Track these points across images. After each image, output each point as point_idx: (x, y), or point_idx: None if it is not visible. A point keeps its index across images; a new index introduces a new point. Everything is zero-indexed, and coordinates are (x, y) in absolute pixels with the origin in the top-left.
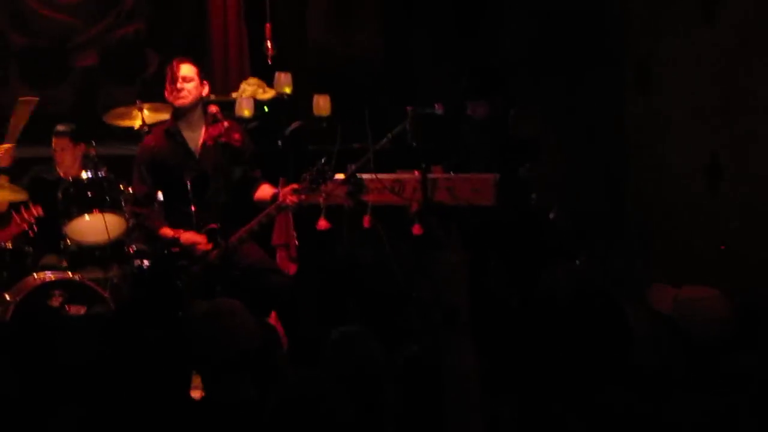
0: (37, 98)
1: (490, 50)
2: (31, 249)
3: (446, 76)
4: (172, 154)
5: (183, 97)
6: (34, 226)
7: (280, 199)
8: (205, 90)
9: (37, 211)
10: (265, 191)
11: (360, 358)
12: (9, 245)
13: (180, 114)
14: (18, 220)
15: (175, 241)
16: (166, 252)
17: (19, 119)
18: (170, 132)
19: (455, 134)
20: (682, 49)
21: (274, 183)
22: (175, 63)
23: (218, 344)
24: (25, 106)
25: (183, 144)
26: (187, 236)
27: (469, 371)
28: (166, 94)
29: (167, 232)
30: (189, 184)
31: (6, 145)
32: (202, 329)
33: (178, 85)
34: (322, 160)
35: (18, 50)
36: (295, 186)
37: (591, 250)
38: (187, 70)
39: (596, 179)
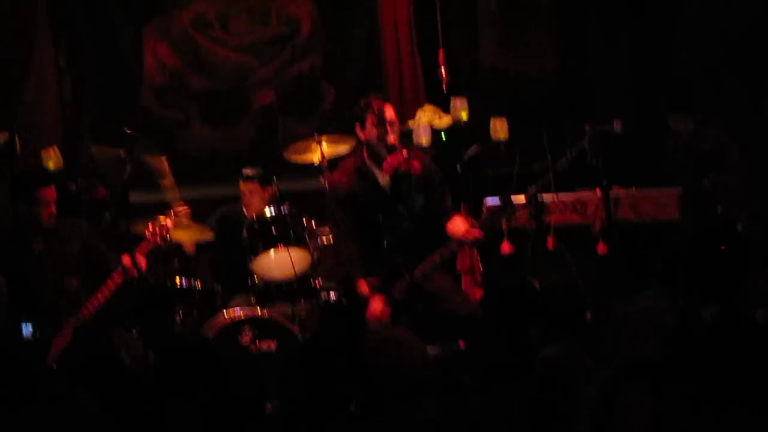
0: (162, 156)
1: (667, 62)
2: (220, 288)
3: (623, 92)
4: (365, 193)
5: (391, 138)
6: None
7: (461, 237)
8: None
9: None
10: (456, 225)
11: (571, 376)
12: (199, 284)
13: (372, 152)
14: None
15: (363, 303)
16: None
17: (164, 177)
18: (362, 171)
19: (637, 150)
20: None
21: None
22: (378, 104)
23: (388, 372)
24: (158, 163)
25: (375, 182)
26: (375, 309)
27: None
28: (364, 134)
29: (364, 289)
30: (381, 219)
31: (182, 208)
32: (373, 359)
33: (388, 128)
34: (505, 195)
35: (197, 92)
36: (475, 222)
37: None
38: (392, 111)
39: None
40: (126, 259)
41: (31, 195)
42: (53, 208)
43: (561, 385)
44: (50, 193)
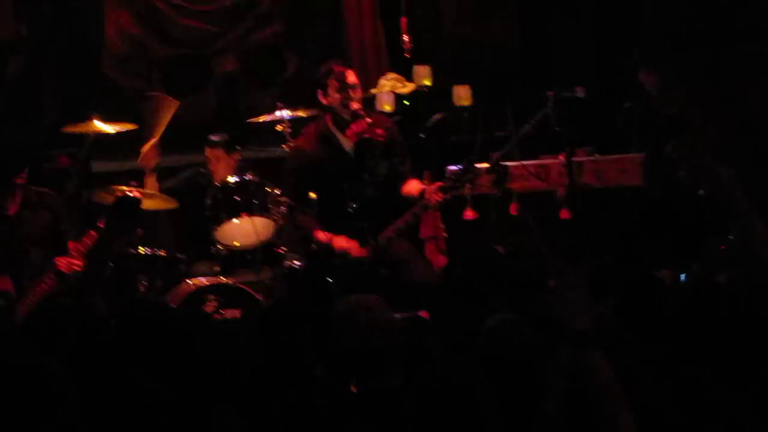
0: (178, 102)
1: (630, 27)
2: (183, 256)
3: (586, 58)
4: (329, 159)
5: (354, 104)
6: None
7: (426, 197)
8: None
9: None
10: (412, 186)
11: (515, 346)
12: (162, 252)
13: (336, 117)
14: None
15: (328, 247)
16: (318, 250)
17: (160, 118)
18: (326, 137)
19: (600, 115)
20: None
21: (418, 176)
22: (339, 69)
23: (358, 339)
24: (167, 106)
25: (339, 147)
26: (340, 242)
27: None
28: (326, 99)
29: (321, 235)
30: (346, 185)
31: (150, 142)
32: (342, 325)
33: (351, 93)
34: (467, 159)
35: (159, 60)
36: (439, 184)
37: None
38: (353, 76)
39: (746, 153)
40: (61, 261)
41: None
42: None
43: (508, 358)
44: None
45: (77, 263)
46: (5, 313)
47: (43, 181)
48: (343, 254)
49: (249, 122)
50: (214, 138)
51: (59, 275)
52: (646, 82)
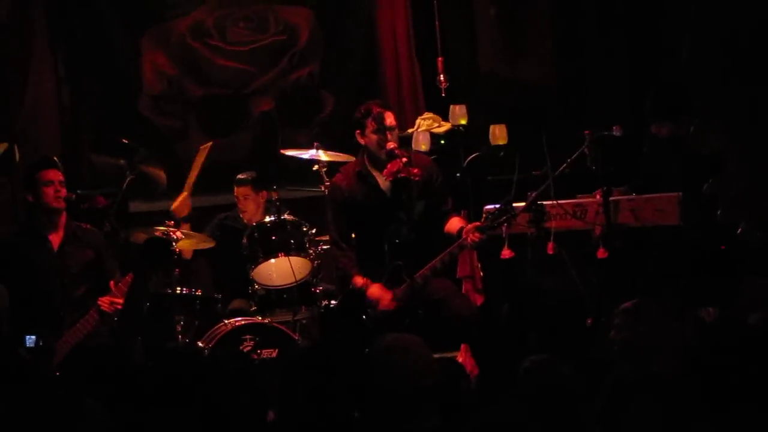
0: (211, 142)
1: (666, 66)
2: (220, 296)
3: (622, 97)
4: (366, 197)
5: (390, 144)
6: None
7: (463, 236)
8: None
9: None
10: (453, 224)
11: (553, 385)
12: (199, 292)
13: (372, 157)
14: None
15: (362, 291)
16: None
17: (195, 168)
18: (362, 175)
19: (636, 155)
20: None
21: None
22: (378, 110)
23: (395, 379)
24: (202, 153)
25: (375, 186)
26: (374, 292)
27: None
28: (364, 139)
29: (358, 281)
30: (382, 224)
31: (182, 195)
32: (380, 365)
33: (388, 135)
34: (505, 200)
35: (196, 101)
36: (477, 224)
37: None
38: (392, 118)
39: None
40: (104, 301)
41: (34, 179)
42: (61, 190)
43: (544, 399)
44: (53, 173)
45: (119, 302)
46: (44, 354)
47: (79, 222)
48: (372, 304)
49: (286, 162)
50: (241, 176)
51: (101, 314)
52: (658, 133)
